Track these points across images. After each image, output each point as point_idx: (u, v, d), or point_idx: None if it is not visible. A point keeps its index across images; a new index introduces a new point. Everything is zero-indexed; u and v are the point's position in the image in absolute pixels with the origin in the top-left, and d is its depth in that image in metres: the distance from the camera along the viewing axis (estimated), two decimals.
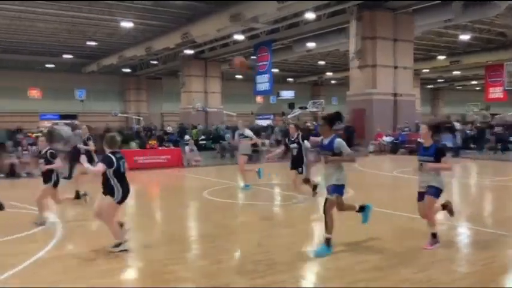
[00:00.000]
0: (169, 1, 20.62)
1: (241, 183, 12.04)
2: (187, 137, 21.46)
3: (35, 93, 38.49)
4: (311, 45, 28.38)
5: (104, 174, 6.00)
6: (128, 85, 44.72)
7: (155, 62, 37.82)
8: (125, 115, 42.03)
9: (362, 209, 6.16)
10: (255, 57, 29.55)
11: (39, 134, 17.56)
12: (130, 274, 5.52)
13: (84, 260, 5.90)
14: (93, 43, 29.79)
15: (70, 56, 35.36)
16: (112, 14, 21.78)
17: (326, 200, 5.79)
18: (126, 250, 6.06)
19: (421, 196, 5.89)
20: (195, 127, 29.20)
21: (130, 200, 11.82)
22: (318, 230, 7.70)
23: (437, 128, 5.99)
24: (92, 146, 10.71)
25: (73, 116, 37.86)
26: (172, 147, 19.81)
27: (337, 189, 5.72)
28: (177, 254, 6.07)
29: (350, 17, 23.25)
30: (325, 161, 5.80)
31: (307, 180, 10.01)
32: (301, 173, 9.68)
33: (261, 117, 45.13)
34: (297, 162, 9.63)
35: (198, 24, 23.49)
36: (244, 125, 12.46)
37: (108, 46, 31.24)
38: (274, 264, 5.44)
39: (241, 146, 11.83)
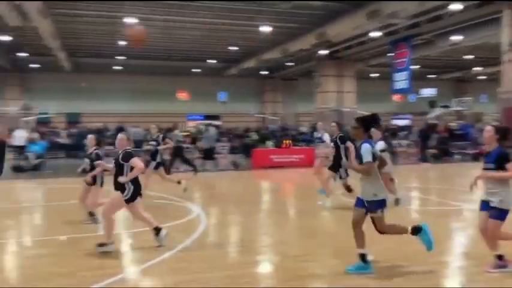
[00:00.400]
0: (309, 1, 20.76)
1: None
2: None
3: (183, 95, 42.07)
4: (457, 38, 26.21)
5: (119, 169, 6.12)
6: (264, 87, 46.35)
7: (290, 64, 38.56)
8: (262, 115, 43.65)
9: (416, 231, 5.24)
10: (391, 54, 28.38)
11: (188, 133, 19.14)
12: (264, 267, 5.75)
13: (223, 251, 6.31)
14: (234, 48, 31.48)
15: (214, 61, 37.83)
16: (252, 20, 22.77)
17: (372, 219, 5.19)
18: (110, 252, 5.99)
19: (483, 205, 5.11)
20: None
21: (265, 197, 12.34)
22: (462, 240, 7.14)
23: (505, 132, 5.12)
24: (167, 145, 10.58)
25: (216, 117, 40.63)
26: (306, 147, 20.02)
27: (378, 205, 5.11)
28: (310, 250, 6.15)
29: (503, 5, 20.95)
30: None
31: (348, 188, 9.35)
32: (341, 177, 9.27)
33: (398, 116, 43.17)
34: (334, 165, 9.35)
35: (334, 23, 23.30)
36: (324, 128, 11.21)
37: (248, 50, 32.71)
38: (411, 273, 5.18)
39: (318, 150, 11.15)
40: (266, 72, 42.80)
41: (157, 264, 5.61)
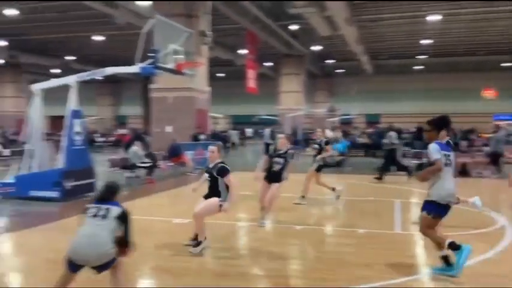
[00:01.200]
0: None
1: None
2: None
3: (489, 93, 38.16)
4: None
5: (214, 182, 6.14)
6: None
7: None
8: None
9: (455, 247, 4.98)
10: None
11: (492, 135, 17.21)
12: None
13: None
14: None
15: None
16: None
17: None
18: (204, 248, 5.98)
19: None
20: None
21: None
22: None
23: None
24: (329, 151, 10.31)
25: None
26: None
27: (427, 205, 5.15)
28: None
29: None
30: None
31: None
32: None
33: None
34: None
35: None
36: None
37: None
38: None
39: None
40: None
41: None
